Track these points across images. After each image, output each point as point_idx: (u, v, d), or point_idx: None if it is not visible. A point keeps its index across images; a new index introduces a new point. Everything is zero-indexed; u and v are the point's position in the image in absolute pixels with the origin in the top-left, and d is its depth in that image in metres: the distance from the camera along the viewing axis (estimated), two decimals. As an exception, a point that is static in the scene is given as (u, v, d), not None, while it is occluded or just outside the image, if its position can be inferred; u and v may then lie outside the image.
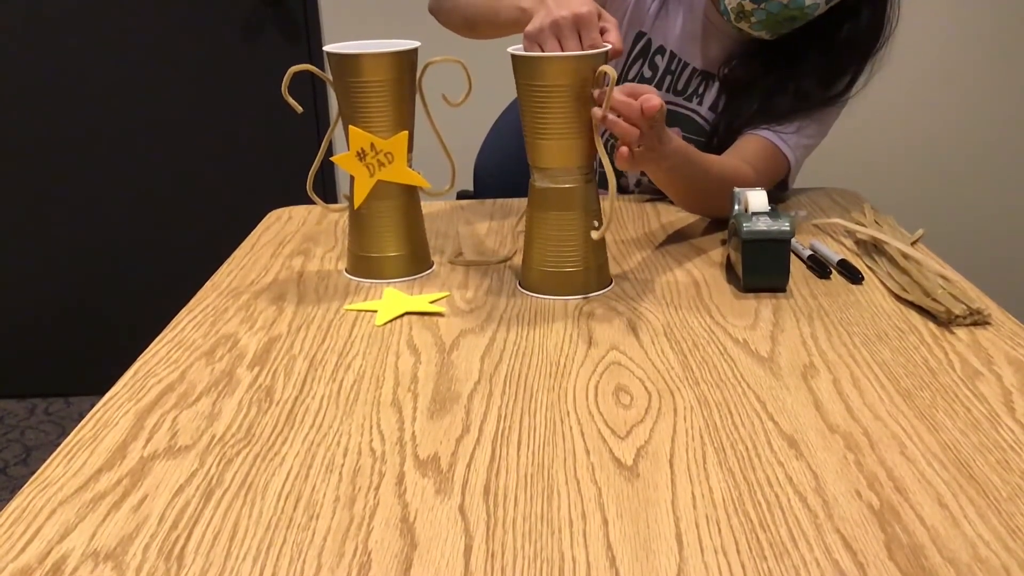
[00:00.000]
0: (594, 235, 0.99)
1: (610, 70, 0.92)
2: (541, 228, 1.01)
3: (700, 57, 1.31)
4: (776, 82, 1.26)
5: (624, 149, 0.96)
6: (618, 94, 0.94)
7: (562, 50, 0.96)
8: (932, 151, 2.34)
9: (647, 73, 1.33)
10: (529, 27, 0.98)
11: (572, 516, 0.64)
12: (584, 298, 1.01)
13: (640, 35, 1.32)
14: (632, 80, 1.33)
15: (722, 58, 1.30)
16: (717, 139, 1.31)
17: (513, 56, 0.97)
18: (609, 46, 0.97)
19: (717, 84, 1.31)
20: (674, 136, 1.05)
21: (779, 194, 1.36)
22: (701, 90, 1.32)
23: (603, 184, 1.42)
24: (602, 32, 0.98)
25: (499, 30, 1.14)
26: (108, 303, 2.52)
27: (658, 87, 1.33)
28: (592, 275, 1.02)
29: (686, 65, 1.32)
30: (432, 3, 1.30)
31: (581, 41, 0.96)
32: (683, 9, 1.30)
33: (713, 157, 1.17)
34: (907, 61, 2.25)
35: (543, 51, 0.97)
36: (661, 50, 1.32)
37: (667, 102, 1.33)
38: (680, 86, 1.32)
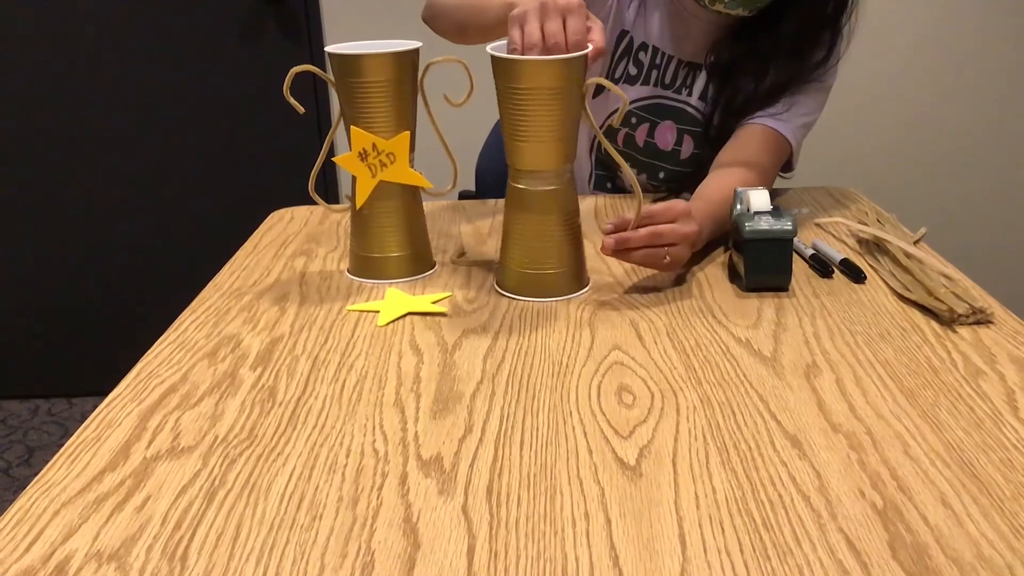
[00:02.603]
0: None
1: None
2: (520, 230, 1.00)
3: (683, 48, 1.32)
4: (760, 62, 1.26)
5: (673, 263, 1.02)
6: (646, 233, 0.99)
7: (543, 30, 0.95)
8: (935, 150, 2.34)
9: (632, 70, 1.33)
10: (515, 10, 0.97)
11: (575, 516, 0.64)
12: (574, 298, 1.01)
13: (623, 33, 1.33)
14: (618, 78, 1.33)
15: (704, 46, 1.31)
16: (714, 129, 1.31)
17: (493, 57, 0.96)
18: (590, 47, 0.96)
19: (704, 73, 1.32)
20: (692, 209, 1.05)
21: (784, 175, 1.36)
22: (689, 81, 1.33)
23: (583, 185, 1.43)
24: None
25: (488, 32, 1.13)
26: (111, 304, 2.52)
27: (644, 82, 1.33)
28: (571, 277, 1.02)
29: (671, 58, 1.32)
30: (425, 12, 1.30)
31: (565, 27, 0.95)
32: (661, 3, 1.31)
33: (719, 189, 1.16)
34: (910, 59, 2.26)
35: (524, 31, 0.96)
36: (644, 46, 1.32)
37: (656, 96, 1.34)
38: (667, 79, 1.33)
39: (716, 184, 1.18)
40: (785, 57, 1.25)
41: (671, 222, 1.00)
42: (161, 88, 2.35)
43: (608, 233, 0.99)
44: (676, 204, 1.01)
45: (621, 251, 0.99)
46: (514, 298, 1.02)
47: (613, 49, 1.33)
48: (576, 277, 1.03)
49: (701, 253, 1.14)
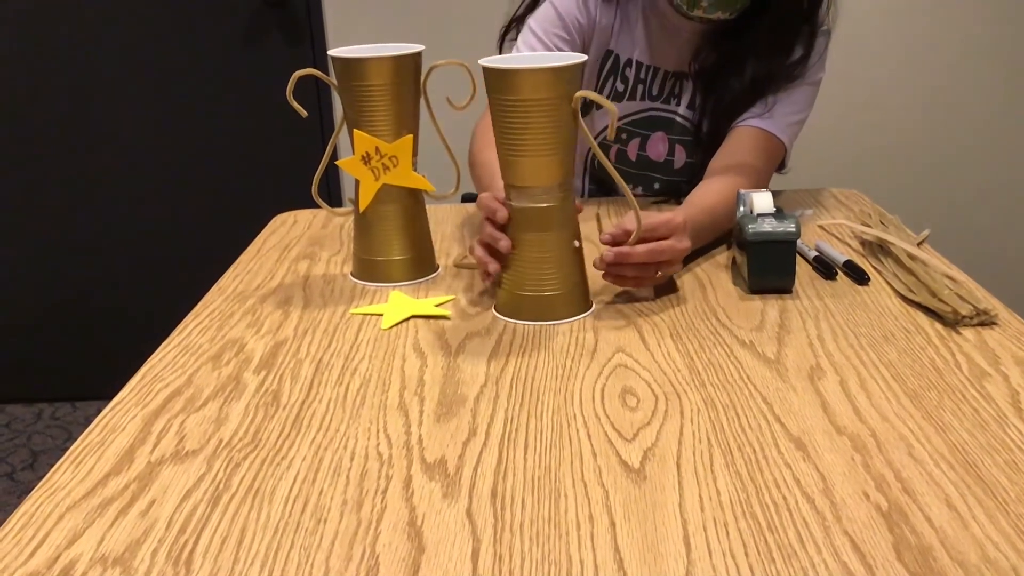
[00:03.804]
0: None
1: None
2: (518, 250, 0.96)
3: (667, 59, 1.32)
4: (743, 64, 1.26)
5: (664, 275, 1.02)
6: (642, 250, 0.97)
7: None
8: (938, 151, 2.34)
9: (619, 87, 1.33)
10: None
11: (579, 519, 0.64)
12: (576, 320, 0.98)
13: (608, 53, 1.33)
14: (607, 96, 1.33)
15: (688, 55, 1.31)
16: (705, 135, 1.31)
17: (485, 69, 0.92)
18: (585, 56, 0.93)
19: (691, 82, 1.32)
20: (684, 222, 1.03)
21: (777, 171, 1.35)
22: (677, 91, 1.33)
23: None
24: None
25: None
26: (114, 308, 2.53)
27: (632, 98, 1.34)
28: (571, 299, 0.97)
29: (657, 70, 1.32)
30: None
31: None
32: (641, 18, 1.31)
33: (710, 194, 1.16)
34: (913, 60, 2.26)
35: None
36: (629, 62, 1.32)
37: (645, 109, 1.34)
38: (655, 92, 1.33)
39: (706, 190, 1.17)
40: (767, 55, 1.25)
41: (667, 237, 0.98)
42: (164, 92, 2.35)
43: (606, 244, 0.97)
44: (674, 218, 0.99)
45: (617, 265, 0.97)
46: (513, 322, 0.97)
47: (599, 69, 1.33)
48: (578, 299, 0.98)
49: (703, 255, 1.15)
